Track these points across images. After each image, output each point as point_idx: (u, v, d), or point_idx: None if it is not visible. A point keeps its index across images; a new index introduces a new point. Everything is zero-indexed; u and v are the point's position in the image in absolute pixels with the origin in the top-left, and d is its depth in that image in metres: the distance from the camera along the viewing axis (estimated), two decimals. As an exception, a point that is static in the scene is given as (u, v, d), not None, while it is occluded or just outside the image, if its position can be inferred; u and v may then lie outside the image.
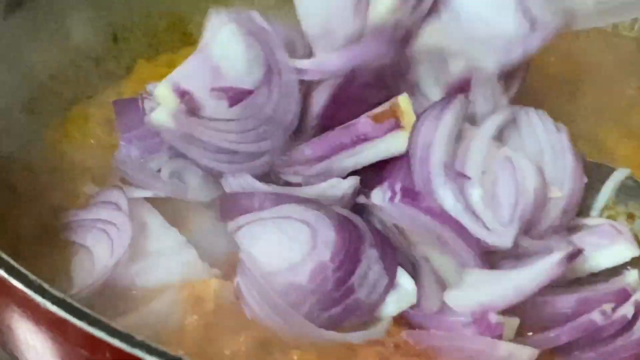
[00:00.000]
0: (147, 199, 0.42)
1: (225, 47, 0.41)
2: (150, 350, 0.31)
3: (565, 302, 0.40)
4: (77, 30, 0.50)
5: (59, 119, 0.49)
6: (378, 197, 0.40)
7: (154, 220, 0.41)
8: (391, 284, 0.40)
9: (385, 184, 0.40)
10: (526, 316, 0.40)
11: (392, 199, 0.39)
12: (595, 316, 0.38)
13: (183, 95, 0.40)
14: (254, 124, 0.41)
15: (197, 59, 0.41)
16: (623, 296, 0.39)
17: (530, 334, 0.40)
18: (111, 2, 0.51)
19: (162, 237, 0.41)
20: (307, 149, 0.42)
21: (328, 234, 0.39)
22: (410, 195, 0.40)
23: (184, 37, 0.52)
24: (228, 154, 0.42)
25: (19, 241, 0.42)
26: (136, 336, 0.31)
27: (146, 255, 0.41)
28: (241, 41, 0.41)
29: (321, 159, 0.42)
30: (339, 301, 0.40)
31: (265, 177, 0.44)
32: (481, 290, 0.39)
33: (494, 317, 0.38)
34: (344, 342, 0.38)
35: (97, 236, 0.42)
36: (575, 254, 0.38)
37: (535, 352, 0.38)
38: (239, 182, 0.43)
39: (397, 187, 0.40)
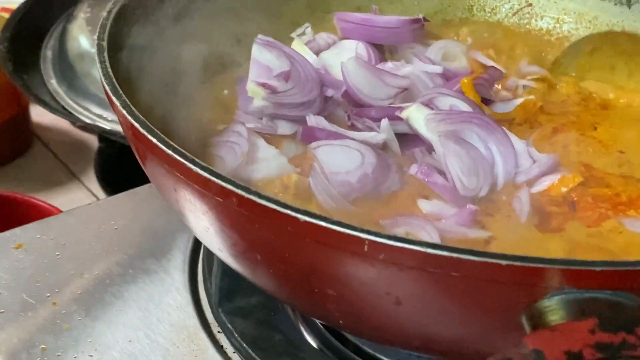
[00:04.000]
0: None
1: (262, 56, 0.63)
2: (249, 191, 0.43)
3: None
4: (217, 36, 0.70)
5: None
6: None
7: (261, 141, 0.60)
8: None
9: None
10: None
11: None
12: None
13: (263, 85, 0.62)
14: (302, 85, 0.63)
15: (255, 65, 0.63)
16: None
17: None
18: (238, 16, 0.71)
19: (266, 150, 0.59)
20: (374, 111, 0.62)
21: (371, 159, 0.57)
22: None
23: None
24: (302, 105, 0.63)
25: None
26: (251, 188, 0.43)
27: (256, 161, 0.58)
28: (265, 51, 0.63)
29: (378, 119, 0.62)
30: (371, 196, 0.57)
31: (331, 119, 0.63)
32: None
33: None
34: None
35: (227, 150, 0.59)
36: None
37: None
38: (316, 121, 0.62)
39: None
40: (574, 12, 0.76)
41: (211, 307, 0.63)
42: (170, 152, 0.47)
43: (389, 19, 0.71)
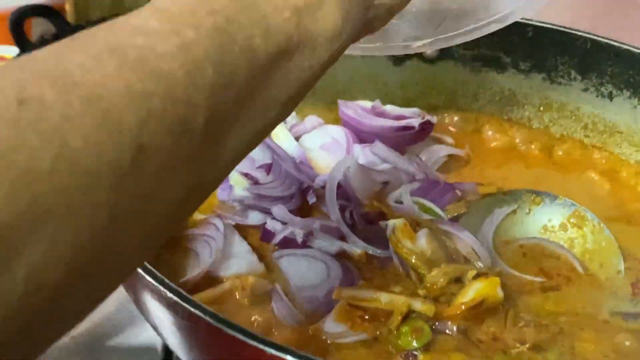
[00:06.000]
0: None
1: None
2: (218, 319, 0.42)
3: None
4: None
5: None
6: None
7: (236, 236, 0.59)
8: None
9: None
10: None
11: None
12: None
13: (246, 175, 0.61)
14: (282, 179, 0.62)
15: None
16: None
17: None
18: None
19: (239, 245, 0.58)
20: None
21: (337, 271, 0.57)
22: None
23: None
24: (281, 199, 0.62)
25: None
26: (219, 314, 0.42)
27: (229, 257, 0.57)
28: None
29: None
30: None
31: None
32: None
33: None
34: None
35: (202, 245, 0.58)
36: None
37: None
38: (282, 214, 0.60)
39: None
40: (556, 102, 0.76)
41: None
42: (141, 272, 0.45)
43: (374, 125, 0.70)
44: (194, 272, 0.57)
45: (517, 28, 0.73)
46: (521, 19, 0.71)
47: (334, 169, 0.62)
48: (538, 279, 0.60)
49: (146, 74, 0.28)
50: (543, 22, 0.73)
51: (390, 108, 0.72)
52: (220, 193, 0.64)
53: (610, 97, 0.73)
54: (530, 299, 0.60)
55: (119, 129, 0.26)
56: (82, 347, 0.65)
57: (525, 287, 0.61)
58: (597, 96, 0.74)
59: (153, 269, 0.45)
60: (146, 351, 0.64)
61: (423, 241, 0.58)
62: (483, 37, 0.73)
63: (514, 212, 0.65)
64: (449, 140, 0.75)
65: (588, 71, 0.73)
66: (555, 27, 0.73)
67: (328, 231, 0.60)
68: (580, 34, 0.72)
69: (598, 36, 0.72)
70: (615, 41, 0.72)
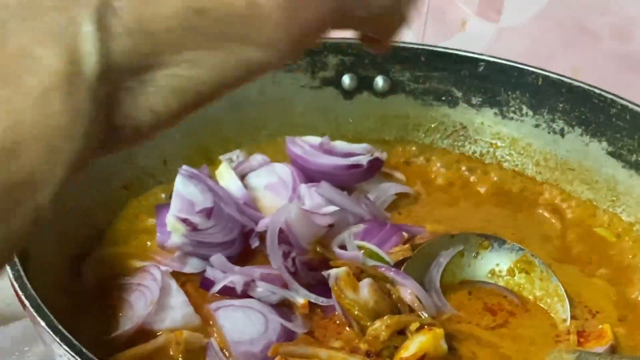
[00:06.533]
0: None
1: (185, 189, 0.59)
2: None
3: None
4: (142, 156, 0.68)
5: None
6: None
7: (173, 285, 0.57)
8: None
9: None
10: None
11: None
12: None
13: (184, 221, 0.58)
14: (224, 223, 0.59)
15: (177, 199, 0.59)
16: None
17: None
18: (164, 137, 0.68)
19: (175, 296, 0.56)
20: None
21: (276, 324, 0.55)
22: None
23: (209, 162, 0.69)
24: (221, 245, 0.59)
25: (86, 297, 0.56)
26: None
27: (165, 308, 0.55)
28: (189, 183, 0.59)
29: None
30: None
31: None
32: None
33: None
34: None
35: (137, 295, 0.55)
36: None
37: None
38: (219, 263, 0.58)
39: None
40: (508, 137, 0.74)
41: None
42: (57, 341, 0.43)
43: (321, 163, 0.67)
44: (126, 325, 0.54)
45: (469, 62, 0.72)
46: (473, 53, 0.71)
47: (276, 214, 0.59)
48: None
49: None
50: (495, 57, 0.71)
51: (339, 144, 0.70)
52: (159, 237, 0.61)
53: (562, 133, 0.71)
54: (481, 339, 0.59)
55: None
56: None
57: (474, 329, 0.60)
58: (548, 132, 0.72)
59: (71, 337, 0.43)
60: None
61: (366, 291, 0.56)
62: (434, 71, 0.73)
63: (462, 254, 0.63)
64: (400, 175, 0.73)
65: (540, 107, 0.71)
66: (507, 62, 0.71)
67: (270, 279, 0.58)
68: (532, 69, 0.71)
69: (550, 72, 0.70)
70: (567, 77, 0.70)
